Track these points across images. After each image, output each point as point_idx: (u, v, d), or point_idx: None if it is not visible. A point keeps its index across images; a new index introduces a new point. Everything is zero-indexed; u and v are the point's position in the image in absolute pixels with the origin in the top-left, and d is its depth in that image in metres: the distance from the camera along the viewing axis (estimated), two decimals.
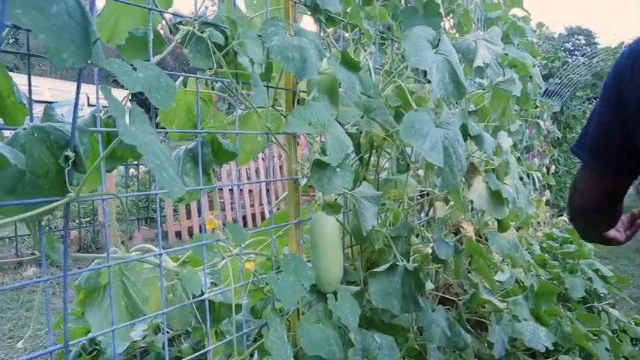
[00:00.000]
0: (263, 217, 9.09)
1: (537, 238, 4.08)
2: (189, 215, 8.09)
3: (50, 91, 10.84)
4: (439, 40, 1.62)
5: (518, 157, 3.75)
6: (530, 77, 3.16)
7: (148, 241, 7.06)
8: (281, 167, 9.14)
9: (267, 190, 9.29)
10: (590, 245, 4.23)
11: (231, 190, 8.62)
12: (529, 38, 3.83)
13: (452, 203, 2.14)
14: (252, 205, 9.02)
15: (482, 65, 1.93)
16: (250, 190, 9.08)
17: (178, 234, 7.94)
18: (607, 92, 1.14)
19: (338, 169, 1.25)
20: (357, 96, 1.42)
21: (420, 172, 2.28)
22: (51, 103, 0.89)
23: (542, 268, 3.37)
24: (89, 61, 0.76)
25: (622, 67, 1.08)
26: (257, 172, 9.05)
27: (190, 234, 7.89)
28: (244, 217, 8.71)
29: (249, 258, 1.41)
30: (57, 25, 0.73)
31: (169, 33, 1.16)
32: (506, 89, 2.23)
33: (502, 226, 2.32)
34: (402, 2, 2.06)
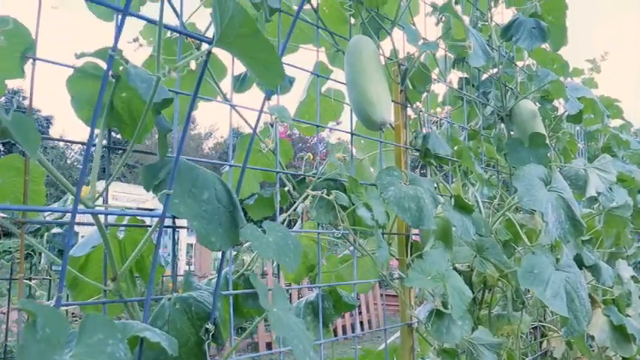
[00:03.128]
0: (353, 329, 8.89)
1: None
2: None
3: (125, 195, 10.20)
4: (551, 176, 1.59)
5: (633, 275, 3.48)
6: None
7: (240, 352, 7.03)
8: None
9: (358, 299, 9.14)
10: None
11: None
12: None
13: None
14: (342, 317, 8.88)
15: (595, 195, 1.87)
16: None
17: (269, 345, 7.88)
18: None
19: (458, 320, 1.22)
20: (471, 238, 1.41)
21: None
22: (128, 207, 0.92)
23: None
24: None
25: None
26: None
27: None
28: (335, 329, 8.55)
29: None
30: (207, 212, 0.79)
31: (292, 189, 1.22)
32: (621, 216, 2.12)
33: None
34: (505, 132, 2.06)
